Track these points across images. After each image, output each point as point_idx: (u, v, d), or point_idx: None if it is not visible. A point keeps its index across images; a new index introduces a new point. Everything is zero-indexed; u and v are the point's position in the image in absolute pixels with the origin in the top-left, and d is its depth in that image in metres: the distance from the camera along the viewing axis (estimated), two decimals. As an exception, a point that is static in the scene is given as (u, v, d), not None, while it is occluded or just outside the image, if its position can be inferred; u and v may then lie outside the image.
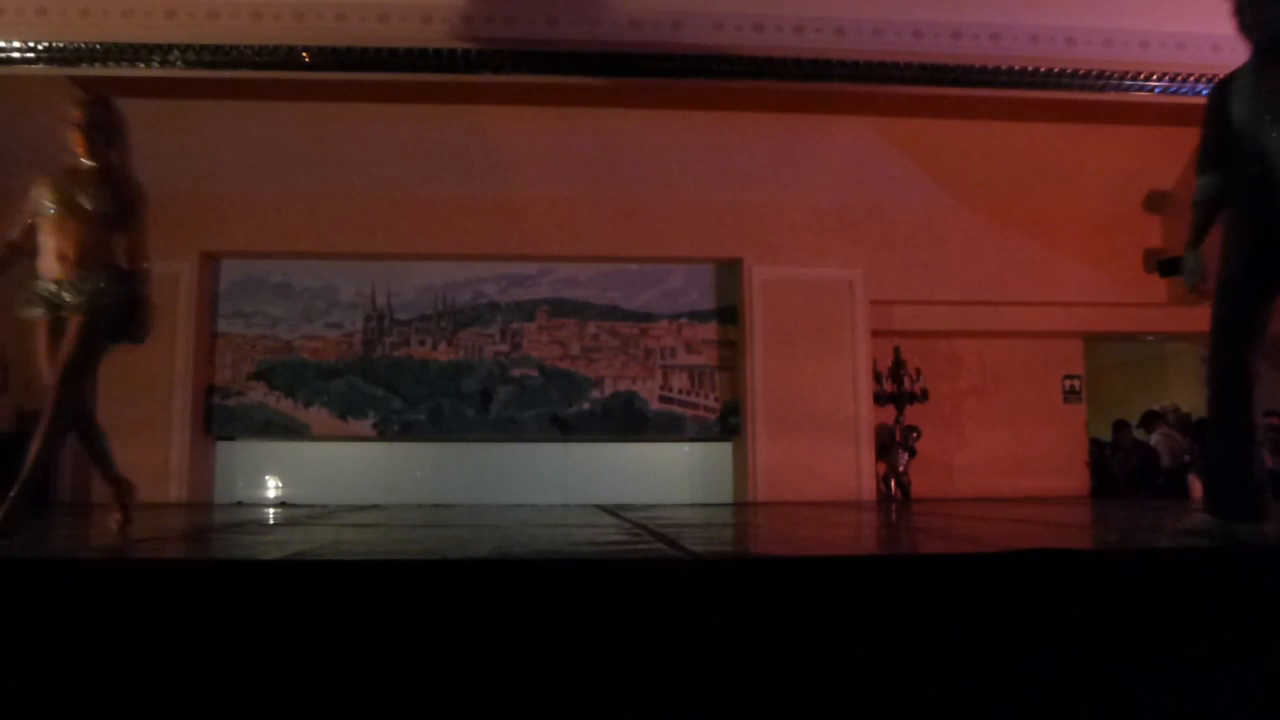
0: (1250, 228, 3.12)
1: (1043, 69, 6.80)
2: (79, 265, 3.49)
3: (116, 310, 3.57)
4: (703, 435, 8.98)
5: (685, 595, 2.17)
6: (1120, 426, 9.65)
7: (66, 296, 3.49)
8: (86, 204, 3.53)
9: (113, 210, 3.59)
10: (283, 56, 6.45)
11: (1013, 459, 9.11)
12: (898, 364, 8.91)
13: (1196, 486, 8.76)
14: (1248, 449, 2.99)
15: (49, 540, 3.57)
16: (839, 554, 2.80)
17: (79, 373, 3.52)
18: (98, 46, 6.38)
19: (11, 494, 3.31)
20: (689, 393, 8.91)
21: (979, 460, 9.11)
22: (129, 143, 3.78)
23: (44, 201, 3.54)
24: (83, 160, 3.60)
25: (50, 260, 3.51)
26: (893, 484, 8.71)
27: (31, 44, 6.36)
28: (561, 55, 6.57)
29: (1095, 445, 9.71)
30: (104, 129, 3.64)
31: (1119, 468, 9.29)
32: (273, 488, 8.84)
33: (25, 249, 3.63)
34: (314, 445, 8.84)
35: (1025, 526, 4.27)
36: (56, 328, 3.55)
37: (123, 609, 2.07)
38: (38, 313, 3.54)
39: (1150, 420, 9.64)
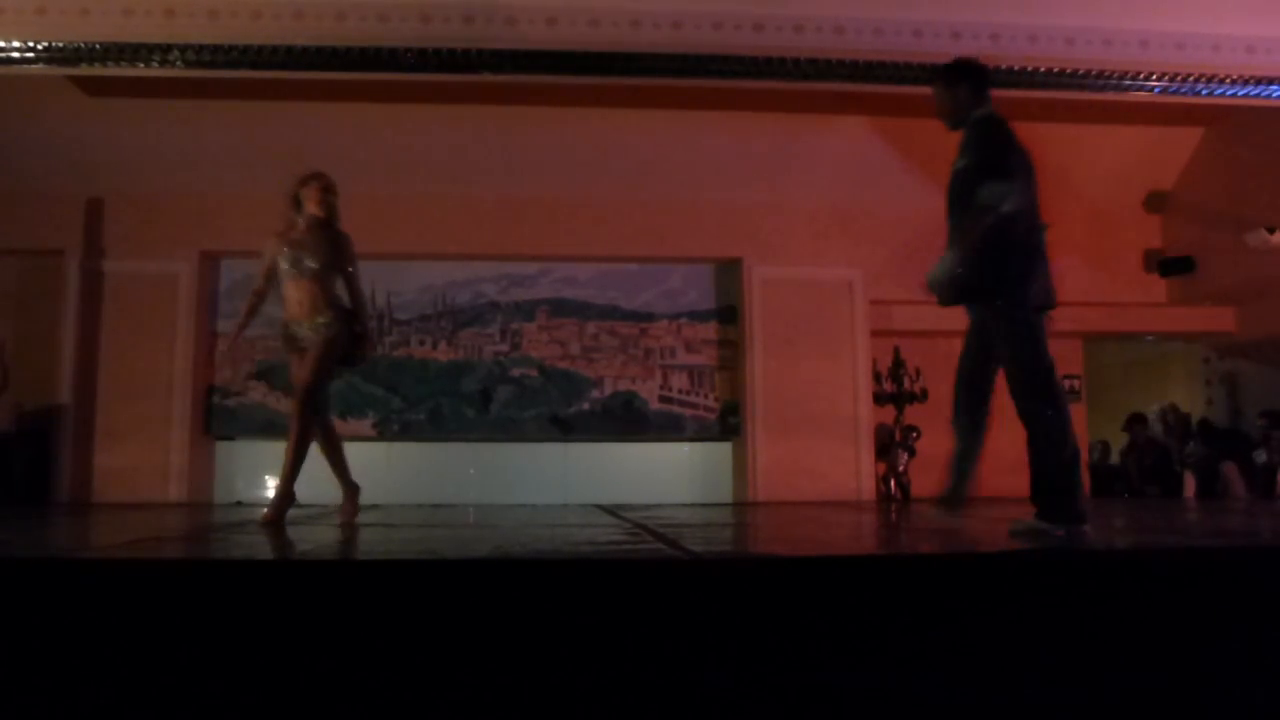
0: None
1: (1042, 69, 6.79)
2: (312, 310, 4.36)
3: (342, 343, 4.44)
4: (702, 435, 8.98)
5: (685, 595, 2.17)
6: (1136, 421, 9.62)
7: (303, 334, 4.39)
8: (312, 262, 4.36)
9: (332, 262, 4.41)
10: (282, 56, 6.44)
11: (1013, 459, 9.05)
12: (897, 364, 8.91)
13: (1190, 484, 8.76)
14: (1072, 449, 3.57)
15: (49, 540, 3.57)
16: (839, 554, 2.80)
17: (313, 393, 4.48)
18: (97, 46, 6.37)
19: (278, 491, 4.49)
20: (689, 392, 8.92)
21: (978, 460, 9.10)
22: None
23: (279, 262, 4.39)
24: (310, 219, 4.44)
25: (291, 307, 4.39)
26: (892, 484, 8.70)
27: (31, 44, 6.34)
28: (561, 55, 6.57)
29: (1096, 446, 9.71)
30: (333, 192, 4.54)
31: (1134, 465, 9.29)
32: (272, 488, 8.82)
33: (265, 297, 4.58)
34: (313, 445, 8.83)
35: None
36: (293, 357, 4.49)
37: (123, 609, 2.07)
38: (289, 343, 4.45)
39: (1134, 424, 9.61)
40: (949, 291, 3.71)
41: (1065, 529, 3.24)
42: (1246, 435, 8.86)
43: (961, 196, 3.65)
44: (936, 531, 3.92)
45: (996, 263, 3.63)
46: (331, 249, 4.42)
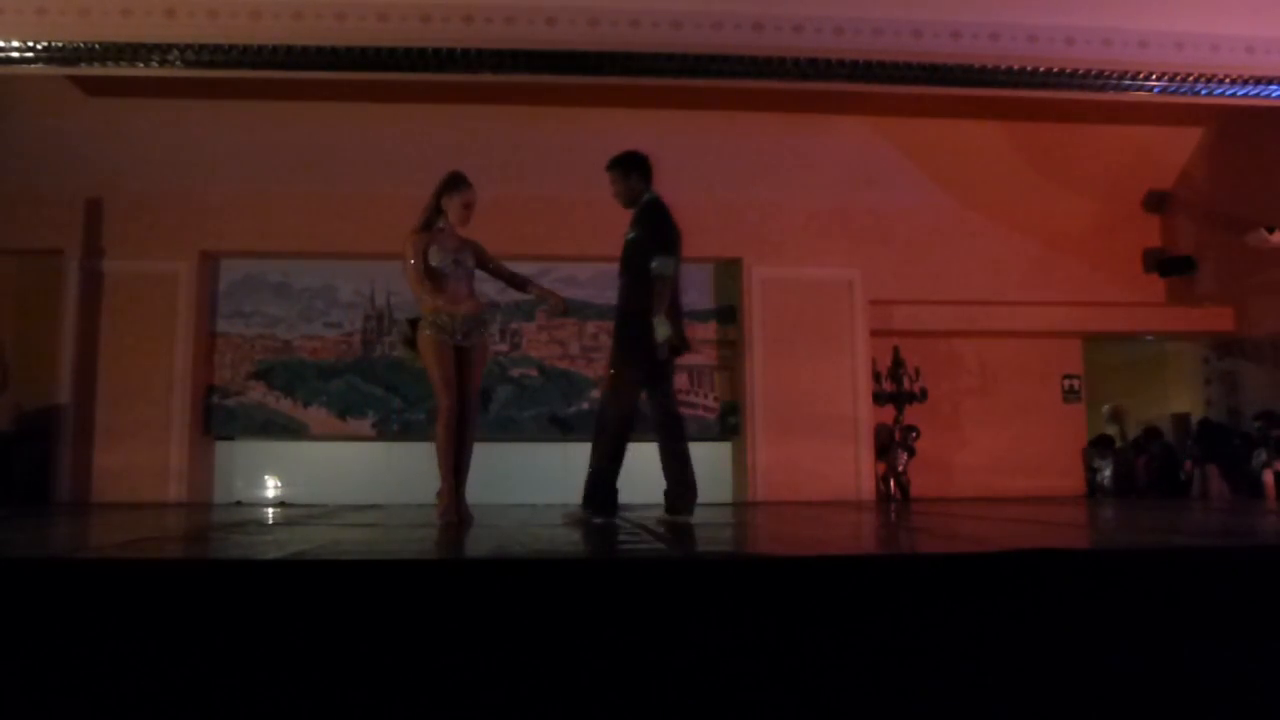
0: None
1: (1042, 69, 6.80)
2: (475, 306, 4.65)
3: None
4: (702, 435, 8.96)
5: (685, 595, 2.17)
6: (1154, 433, 9.65)
7: (468, 328, 4.59)
8: (469, 263, 4.69)
9: (475, 267, 4.74)
10: (282, 56, 6.45)
11: (1012, 459, 9.12)
12: (897, 364, 8.91)
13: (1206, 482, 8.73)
14: (614, 469, 4.59)
15: (49, 540, 3.57)
16: (839, 554, 2.80)
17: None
18: (97, 46, 6.37)
19: (450, 489, 4.83)
20: (688, 392, 8.91)
21: (978, 460, 9.11)
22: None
23: (438, 260, 4.59)
24: (450, 226, 4.69)
25: (453, 302, 4.56)
26: (892, 484, 8.71)
27: (31, 43, 6.35)
28: (561, 55, 6.57)
29: (1115, 449, 9.69)
30: (473, 207, 4.77)
31: (1142, 468, 9.31)
32: (272, 487, 8.84)
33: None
34: (313, 445, 8.84)
35: (1025, 526, 4.27)
36: (446, 350, 4.56)
37: (123, 609, 2.07)
38: (444, 338, 4.54)
39: (1102, 444, 9.59)
40: (668, 349, 4.61)
41: (599, 517, 4.47)
42: (1247, 435, 8.87)
43: (633, 261, 4.72)
44: (934, 531, 3.92)
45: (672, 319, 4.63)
46: (475, 253, 4.76)
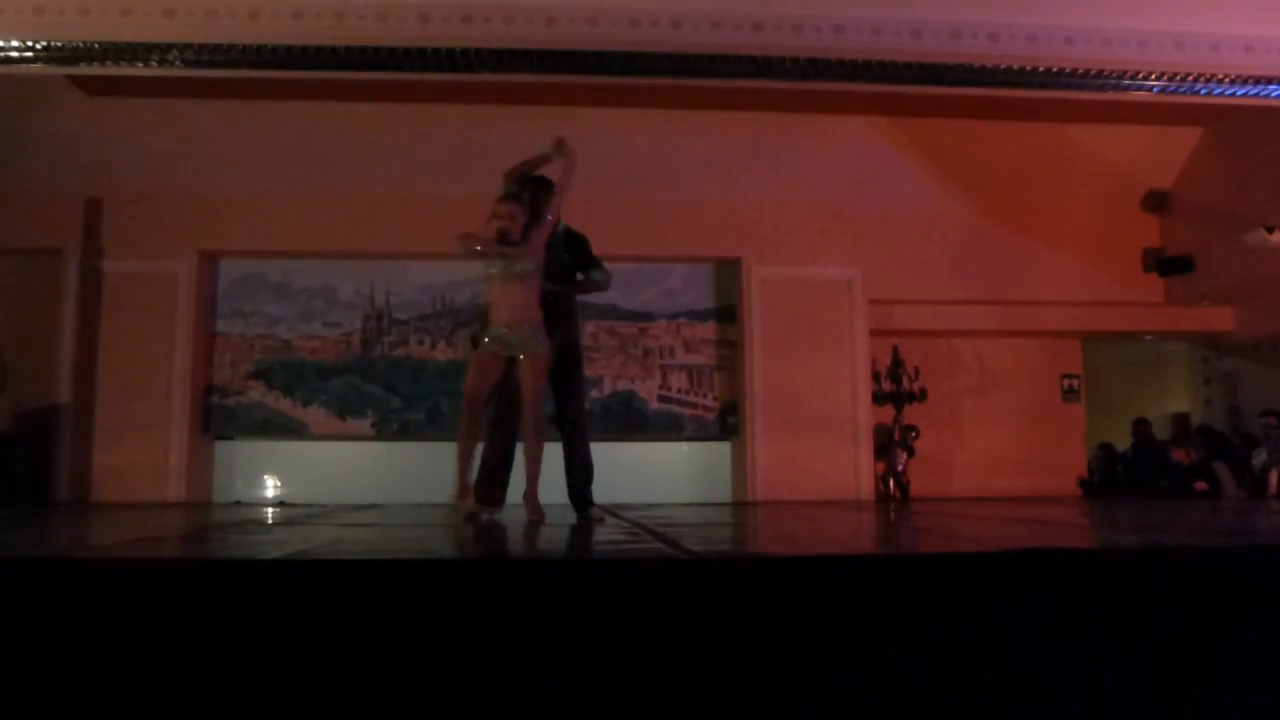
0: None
1: (1041, 68, 6.79)
2: (523, 320, 4.56)
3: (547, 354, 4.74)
4: (702, 435, 8.98)
5: (685, 595, 2.17)
6: (1141, 424, 9.65)
7: (515, 343, 4.59)
8: (521, 271, 4.55)
9: (534, 273, 4.59)
10: (282, 56, 6.45)
11: (1012, 459, 9.12)
12: (896, 363, 8.92)
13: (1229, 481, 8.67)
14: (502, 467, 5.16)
15: (49, 540, 3.57)
16: (839, 554, 2.80)
17: (542, 398, 4.88)
18: (96, 46, 6.36)
19: (532, 492, 4.92)
20: (688, 392, 8.92)
21: (978, 460, 9.11)
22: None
23: (490, 269, 4.58)
24: (516, 235, 4.54)
25: (503, 313, 4.56)
26: (891, 483, 8.71)
27: (30, 43, 6.34)
28: (561, 55, 6.57)
29: (1104, 449, 9.70)
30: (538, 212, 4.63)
31: (1141, 467, 9.30)
32: (271, 487, 8.83)
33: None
34: (312, 445, 8.84)
35: (1025, 526, 4.27)
36: (493, 361, 4.63)
37: (122, 609, 2.07)
38: (493, 348, 4.58)
39: (1139, 426, 9.66)
40: None
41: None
42: (1248, 435, 8.87)
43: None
44: (934, 531, 3.92)
45: None
46: (535, 259, 4.64)
